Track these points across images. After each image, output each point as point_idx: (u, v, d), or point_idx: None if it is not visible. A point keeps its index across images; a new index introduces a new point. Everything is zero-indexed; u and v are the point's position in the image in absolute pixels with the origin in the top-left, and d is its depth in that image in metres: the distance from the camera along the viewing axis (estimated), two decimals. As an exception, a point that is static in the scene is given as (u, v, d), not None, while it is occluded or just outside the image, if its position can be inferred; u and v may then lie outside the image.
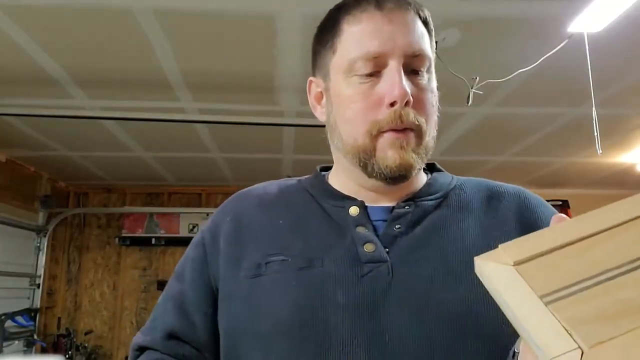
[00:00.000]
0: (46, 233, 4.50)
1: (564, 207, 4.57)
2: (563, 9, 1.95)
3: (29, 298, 4.34)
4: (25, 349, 3.94)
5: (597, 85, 2.29)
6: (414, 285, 0.61)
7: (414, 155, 0.65)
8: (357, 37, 0.66)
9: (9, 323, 3.67)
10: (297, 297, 0.62)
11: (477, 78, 2.34)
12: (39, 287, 4.39)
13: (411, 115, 0.64)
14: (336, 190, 0.73)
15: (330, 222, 0.69)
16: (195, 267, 0.73)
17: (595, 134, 2.18)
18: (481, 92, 2.40)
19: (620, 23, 2.01)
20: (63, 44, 2.18)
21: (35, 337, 4.08)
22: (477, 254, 0.62)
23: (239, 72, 2.42)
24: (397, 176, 0.66)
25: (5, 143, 3.55)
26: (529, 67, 2.25)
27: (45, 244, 4.49)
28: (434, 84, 0.70)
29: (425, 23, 0.69)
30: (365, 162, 0.67)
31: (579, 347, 0.34)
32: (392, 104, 0.64)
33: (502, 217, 0.69)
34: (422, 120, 0.65)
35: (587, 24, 2.00)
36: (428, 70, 0.68)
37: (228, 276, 0.69)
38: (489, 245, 0.63)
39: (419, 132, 0.66)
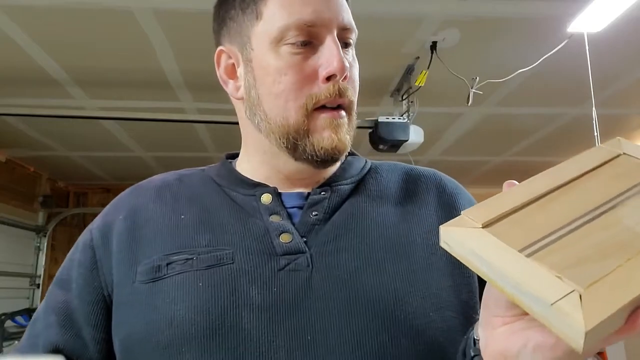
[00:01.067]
0: (46, 233, 4.49)
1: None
2: (563, 9, 1.95)
3: (28, 298, 4.34)
4: (25, 349, 3.94)
5: (597, 85, 2.29)
6: (336, 277, 0.56)
7: (347, 137, 0.62)
8: (286, 2, 0.60)
9: (9, 323, 3.67)
10: (204, 300, 0.55)
11: (477, 78, 2.35)
12: (38, 287, 4.38)
13: (349, 90, 0.61)
14: (246, 177, 0.67)
15: (240, 213, 0.62)
16: (83, 272, 0.63)
17: (595, 134, 2.18)
18: (481, 92, 2.40)
19: (620, 23, 2.01)
20: (63, 44, 2.18)
21: (35, 337, 4.08)
22: (399, 240, 0.62)
23: (239, 72, 2.42)
24: (329, 159, 0.61)
25: (5, 143, 3.54)
26: (529, 67, 2.25)
27: (45, 244, 4.49)
28: (356, 60, 0.67)
29: None
30: (295, 142, 0.61)
31: (575, 289, 0.34)
32: (328, 78, 0.59)
33: (421, 200, 0.66)
34: (353, 96, 0.63)
35: (587, 24, 2.00)
36: (353, 45, 0.65)
37: (123, 282, 0.60)
38: (411, 229, 0.62)
39: (349, 110, 0.63)
